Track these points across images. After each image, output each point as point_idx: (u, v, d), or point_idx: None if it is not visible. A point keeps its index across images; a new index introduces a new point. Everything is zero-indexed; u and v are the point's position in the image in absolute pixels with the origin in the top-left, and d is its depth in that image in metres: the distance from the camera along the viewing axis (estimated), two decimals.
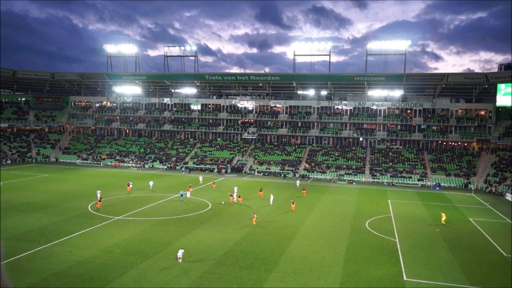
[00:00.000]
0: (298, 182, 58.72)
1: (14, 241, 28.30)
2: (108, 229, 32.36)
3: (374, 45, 75.78)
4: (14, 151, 79.59)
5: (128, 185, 49.53)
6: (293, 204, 42.08)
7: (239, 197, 45.35)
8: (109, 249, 27.43)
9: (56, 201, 42.15)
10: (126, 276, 22.90)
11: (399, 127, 77.80)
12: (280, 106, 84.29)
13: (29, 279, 21.68)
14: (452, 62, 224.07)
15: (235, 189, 48.19)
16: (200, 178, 59.70)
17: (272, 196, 45.37)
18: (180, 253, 25.69)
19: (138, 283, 22.03)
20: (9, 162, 75.18)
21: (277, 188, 55.81)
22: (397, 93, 76.19)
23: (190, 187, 48.95)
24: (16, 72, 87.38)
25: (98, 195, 41.57)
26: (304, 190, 52.05)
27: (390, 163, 71.09)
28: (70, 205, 40.47)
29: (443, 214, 38.33)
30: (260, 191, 49.77)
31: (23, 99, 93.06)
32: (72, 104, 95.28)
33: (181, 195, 45.27)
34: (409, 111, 77.94)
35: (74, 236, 30.17)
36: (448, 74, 71.32)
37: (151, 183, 51.68)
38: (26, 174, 61.19)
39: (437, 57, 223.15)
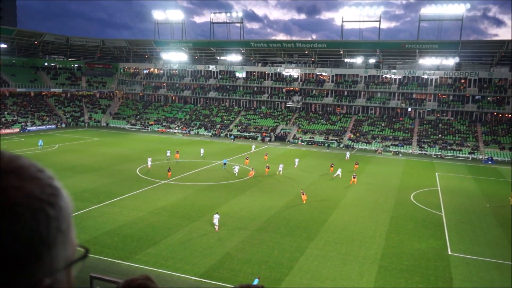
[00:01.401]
0: (348, 154, 56.07)
1: None
2: (155, 192, 33.75)
3: (428, 10, 71.66)
4: (68, 115, 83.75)
5: (177, 153, 49.34)
6: (354, 178, 40.03)
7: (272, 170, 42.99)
8: (156, 211, 28.72)
9: (107, 164, 44.30)
10: (172, 238, 24.00)
11: (451, 98, 74.15)
12: (326, 74, 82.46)
13: (83, 236, 23.21)
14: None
15: (296, 161, 47.73)
16: (253, 147, 59.25)
17: (297, 161, 47.03)
18: (216, 219, 25.49)
19: (183, 245, 23.05)
20: (63, 125, 79.37)
21: (321, 157, 55.49)
22: (451, 61, 72.18)
23: (247, 159, 48.24)
24: (69, 39, 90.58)
25: (149, 163, 42.86)
26: (356, 164, 47.19)
27: (440, 135, 68.39)
28: (120, 168, 42.41)
29: None
30: (331, 166, 45.54)
31: (75, 65, 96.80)
32: (121, 70, 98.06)
33: (224, 164, 44.94)
34: (463, 81, 73.90)
35: (123, 197, 31.75)
36: (509, 41, 66.44)
37: (202, 150, 52.19)
38: (79, 138, 64.43)
39: (499, 22, 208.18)
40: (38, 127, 73.55)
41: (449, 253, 23.53)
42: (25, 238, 0.71)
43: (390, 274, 20.55)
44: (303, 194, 32.92)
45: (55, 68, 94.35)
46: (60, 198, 0.82)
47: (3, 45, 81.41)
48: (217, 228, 25.32)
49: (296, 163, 46.97)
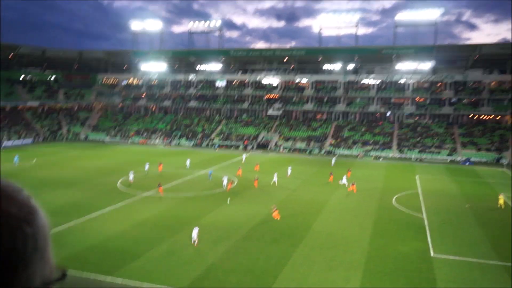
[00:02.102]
0: (334, 160, 56.23)
1: (48, 216, 29.44)
2: (137, 204, 33.27)
3: (403, 16, 73.27)
4: (45, 129, 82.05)
5: (160, 164, 47.93)
6: (353, 185, 38.37)
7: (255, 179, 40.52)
8: (139, 224, 28.29)
9: (87, 177, 43.51)
10: (155, 250, 23.65)
11: (428, 101, 75.74)
12: (305, 81, 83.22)
13: (64, 252, 22.66)
14: (488, 31, 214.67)
15: (289, 169, 46.46)
16: (244, 157, 57.47)
17: (276, 175, 41.65)
18: (195, 233, 24.34)
19: (167, 257, 22.74)
20: (41, 139, 77.69)
21: (302, 163, 55.76)
22: (427, 65, 73.82)
23: (239, 169, 46.66)
24: (46, 51, 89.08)
25: (131, 176, 40.64)
26: (349, 171, 45.67)
27: (419, 138, 69.66)
28: (100, 181, 41.71)
29: (501, 197, 34.41)
30: (331, 175, 43.76)
31: (52, 77, 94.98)
32: (100, 82, 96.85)
33: (210, 175, 43.67)
34: (439, 84, 75.61)
35: (105, 211, 31.19)
36: (481, 45, 68.42)
37: (188, 161, 51.09)
38: (58, 151, 63.20)
39: (472, 26, 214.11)
40: (14, 142, 71.79)
41: (432, 254, 23.83)
42: (1, 255, 0.71)
43: (375, 277, 20.71)
44: (274, 210, 29.98)
45: (31, 81, 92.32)
46: (37, 217, 0.84)
47: None
48: (195, 243, 24.27)
49: (289, 172, 45.95)
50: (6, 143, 70.11)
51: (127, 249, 23.79)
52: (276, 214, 29.72)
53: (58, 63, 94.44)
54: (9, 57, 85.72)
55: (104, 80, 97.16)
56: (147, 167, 46.43)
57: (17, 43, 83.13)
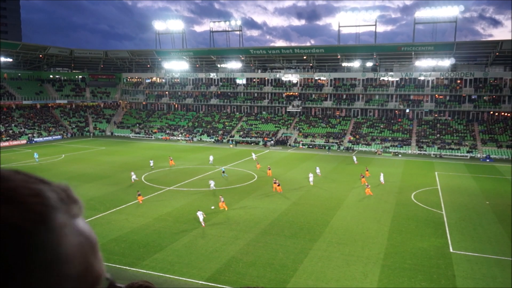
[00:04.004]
0: (355, 158, 54.94)
1: None
2: (160, 198, 34.34)
3: (423, 13, 72.43)
4: (73, 126, 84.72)
5: (171, 159, 49.56)
6: (368, 187, 37.00)
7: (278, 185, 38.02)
8: (161, 217, 29.29)
9: (113, 172, 44.98)
10: (178, 243, 24.50)
11: (447, 98, 74.74)
12: (324, 78, 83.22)
13: None
14: (510, 28, 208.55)
15: (317, 169, 45.09)
16: (254, 156, 55.90)
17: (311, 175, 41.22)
18: (200, 216, 27.51)
19: (189, 249, 23.54)
20: (69, 136, 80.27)
21: (321, 160, 56.02)
22: (447, 62, 72.83)
23: (258, 164, 47.68)
24: (73, 51, 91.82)
25: (133, 177, 40.79)
26: (367, 171, 45.02)
27: (438, 135, 69.00)
28: (125, 176, 42.99)
29: None
30: (367, 171, 44.55)
31: (79, 76, 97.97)
32: (125, 80, 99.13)
33: (223, 172, 44.32)
34: (459, 81, 74.52)
35: (129, 204, 32.36)
36: (502, 41, 67.02)
37: (211, 157, 51.82)
38: (85, 147, 65.23)
39: (495, 22, 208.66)
40: (44, 138, 74.49)
41: (451, 250, 23.88)
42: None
43: (393, 273, 20.85)
44: (276, 184, 36.30)
45: (60, 80, 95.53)
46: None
47: (9, 59, 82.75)
48: (203, 223, 27.25)
49: (318, 171, 44.92)
50: (37, 139, 72.89)
51: (150, 241, 24.74)
52: (279, 189, 36.09)
53: (85, 63, 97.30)
54: (39, 57, 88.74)
55: (128, 78, 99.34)
56: (152, 163, 47.81)
57: (45, 44, 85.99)
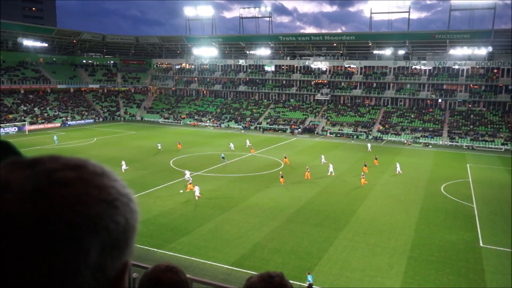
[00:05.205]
0: (369, 145, 55.64)
1: None
2: (186, 182, 34.91)
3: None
4: (105, 110, 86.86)
5: (179, 143, 51.41)
6: (363, 177, 36.34)
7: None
8: (189, 202, 29.86)
9: (142, 156, 45.99)
10: (204, 227, 24.97)
11: (483, 88, 72.14)
12: (354, 66, 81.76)
13: None
14: None
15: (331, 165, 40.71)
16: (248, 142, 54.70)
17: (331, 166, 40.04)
18: (197, 190, 30.19)
19: (215, 234, 23.97)
20: (101, 120, 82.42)
21: (348, 149, 55.45)
22: (483, 51, 70.13)
23: (285, 158, 44.47)
24: (105, 37, 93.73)
25: (124, 166, 39.03)
26: (376, 159, 44.81)
27: (471, 126, 66.87)
28: (154, 160, 43.98)
29: None
30: (375, 159, 44.57)
31: (111, 62, 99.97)
32: (155, 66, 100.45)
33: (223, 157, 44.04)
34: (495, 71, 71.64)
35: (158, 188, 33.10)
36: None
37: (231, 144, 52.16)
38: (116, 131, 66.82)
39: None
40: (77, 122, 76.78)
41: (481, 245, 23.39)
42: (121, 226, 0.88)
43: (420, 265, 20.64)
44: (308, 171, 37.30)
45: (92, 65, 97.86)
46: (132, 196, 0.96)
47: (45, 44, 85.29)
48: (197, 198, 29.87)
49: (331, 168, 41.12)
50: (70, 122, 75.28)
51: (177, 225, 25.33)
52: (308, 175, 36.86)
53: (116, 48, 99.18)
54: (73, 42, 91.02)
55: (158, 64, 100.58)
56: (159, 146, 49.52)
57: (79, 30, 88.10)
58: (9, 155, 1.02)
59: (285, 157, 44.54)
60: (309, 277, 18.31)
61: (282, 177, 35.76)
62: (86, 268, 0.78)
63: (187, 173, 35.53)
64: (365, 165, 40.65)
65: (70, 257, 0.75)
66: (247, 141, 55.45)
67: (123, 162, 39.04)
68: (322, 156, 45.08)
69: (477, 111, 71.13)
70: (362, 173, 37.11)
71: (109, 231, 0.83)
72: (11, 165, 0.83)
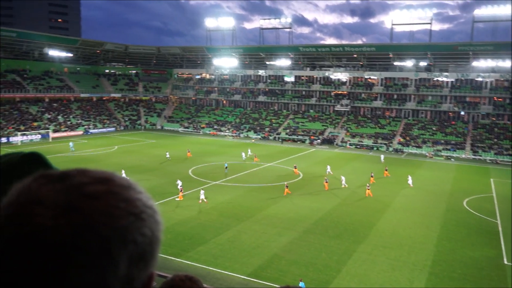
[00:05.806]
0: (382, 157, 55.10)
1: None
2: (206, 192, 34.91)
3: (483, 11, 68.88)
4: (126, 119, 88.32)
5: (188, 151, 52.79)
6: (368, 189, 35.93)
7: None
8: (206, 211, 29.95)
9: (162, 165, 46.47)
10: (221, 237, 24.98)
11: (507, 101, 70.49)
12: (375, 77, 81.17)
13: None
14: None
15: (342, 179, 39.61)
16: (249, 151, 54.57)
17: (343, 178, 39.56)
18: (202, 195, 31.81)
19: (232, 244, 23.93)
20: (122, 128, 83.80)
21: (368, 161, 54.77)
22: (508, 63, 68.65)
23: (295, 168, 45.00)
24: (128, 47, 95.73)
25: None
26: (386, 170, 44.97)
27: (495, 140, 65.26)
28: (173, 169, 44.32)
29: None
30: (386, 170, 44.86)
31: (133, 71, 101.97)
32: (175, 76, 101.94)
33: (226, 167, 44.26)
34: None
35: (177, 197, 33.31)
36: None
37: (243, 154, 52.44)
38: (136, 140, 67.78)
39: None
40: (99, 130, 78.24)
41: (505, 262, 22.74)
42: (147, 238, 0.89)
43: (441, 282, 20.17)
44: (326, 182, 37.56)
45: (114, 74, 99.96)
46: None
47: (70, 54, 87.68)
48: (200, 201, 31.42)
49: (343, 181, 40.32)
50: (92, 130, 76.79)
51: (195, 234, 25.39)
52: (326, 186, 37.11)
53: (138, 58, 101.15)
54: (96, 53, 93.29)
55: (179, 74, 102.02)
56: (168, 155, 50.39)
57: (102, 40, 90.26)
58: (40, 167, 1.03)
59: (295, 167, 45.02)
60: (301, 284, 18.28)
61: (287, 187, 35.88)
62: (115, 280, 0.80)
63: (179, 182, 35.99)
64: (372, 176, 40.54)
65: (101, 270, 0.76)
66: (249, 150, 55.55)
67: (123, 171, 38.35)
68: (328, 167, 44.81)
69: (501, 124, 69.50)
70: (368, 184, 36.93)
71: (136, 243, 0.84)
72: (42, 178, 0.84)
